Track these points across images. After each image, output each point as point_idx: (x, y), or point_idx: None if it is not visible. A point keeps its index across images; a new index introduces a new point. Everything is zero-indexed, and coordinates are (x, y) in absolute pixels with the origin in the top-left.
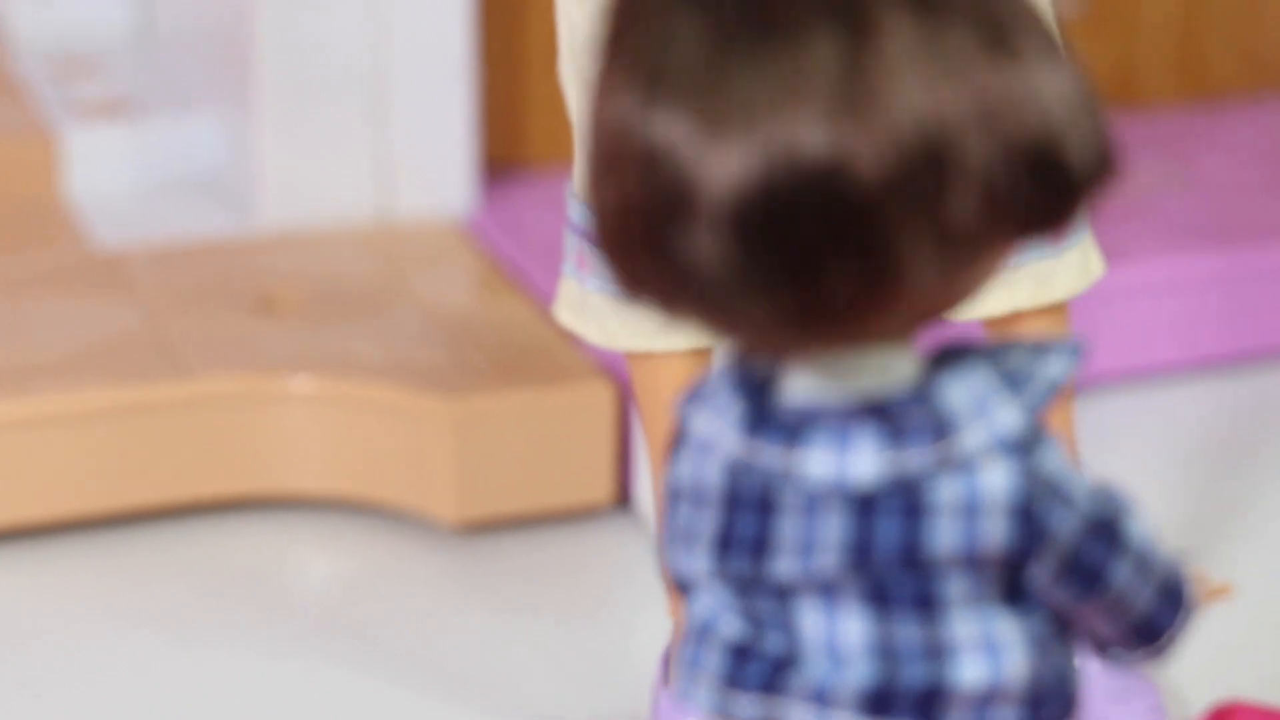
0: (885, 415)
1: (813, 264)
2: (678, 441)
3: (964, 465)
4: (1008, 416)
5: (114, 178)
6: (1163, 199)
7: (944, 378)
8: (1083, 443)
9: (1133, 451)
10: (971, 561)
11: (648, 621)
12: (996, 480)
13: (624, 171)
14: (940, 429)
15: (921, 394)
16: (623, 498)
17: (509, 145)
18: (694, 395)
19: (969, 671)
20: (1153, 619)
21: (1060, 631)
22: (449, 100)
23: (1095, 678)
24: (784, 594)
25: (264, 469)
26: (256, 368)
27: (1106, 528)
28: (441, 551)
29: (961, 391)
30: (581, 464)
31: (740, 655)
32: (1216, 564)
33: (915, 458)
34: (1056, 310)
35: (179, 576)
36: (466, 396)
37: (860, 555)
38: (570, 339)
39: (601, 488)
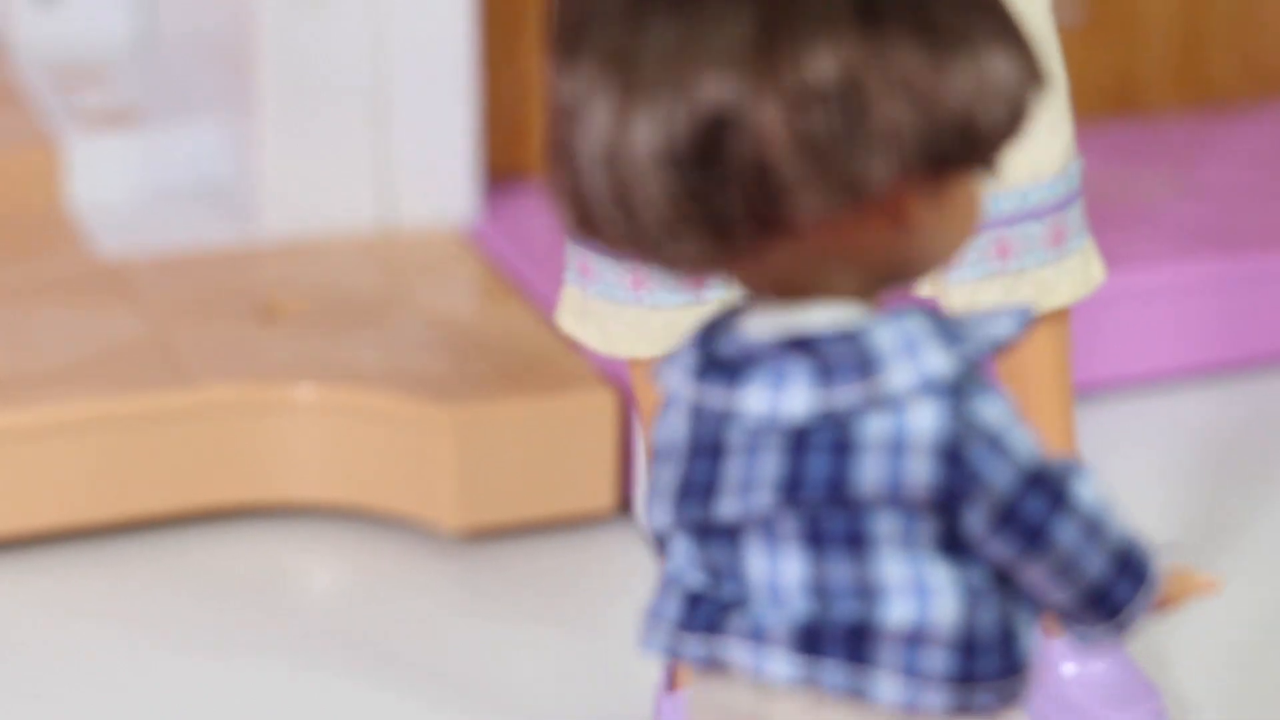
0: (815, 353)
1: (717, 204)
2: (663, 405)
3: (892, 404)
4: (936, 359)
5: (117, 186)
6: (1165, 205)
7: (877, 321)
8: (1087, 447)
9: (1137, 456)
10: (898, 500)
11: None
12: (924, 420)
13: (558, 125)
14: (866, 366)
15: (850, 333)
16: (625, 505)
17: (511, 153)
18: (668, 356)
19: (895, 611)
20: (1107, 589)
21: (1004, 590)
22: (451, 109)
23: (1097, 681)
24: (734, 539)
25: (266, 477)
26: (259, 376)
27: (1049, 485)
28: (443, 559)
29: (890, 333)
30: (583, 471)
31: (694, 602)
32: (1220, 568)
33: (843, 394)
34: (1058, 316)
35: (182, 584)
36: (468, 404)
37: (791, 492)
38: (572, 346)
39: (603, 495)
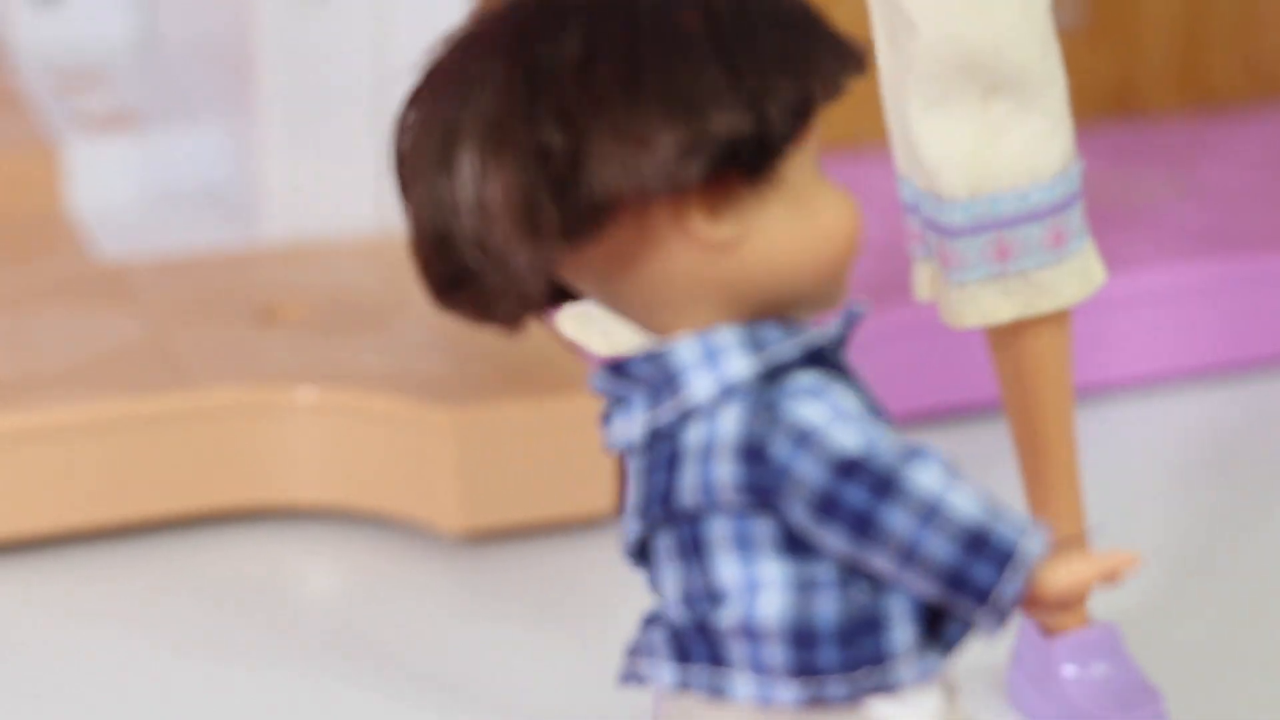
0: (630, 377)
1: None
2: None
3: (707, 414)
4: (736, 365)
5: (118, 189)
6: (1166, 206)
7: (684, 338)
8: (1088, 449)
9: (1138, 458)
10: (715, 504)
11: None
12: (728, 423)
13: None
14: (672, 382)
15: (655, 353)
16: (625, 507)
17: None
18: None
19: (726, 610)
20: (961, 572)
21: (873, 582)
22: None
23: (1098, 683)
24: (650, 560)
25: (267, 479)
26: (260, 378)
27: (869, 472)
28: (444, 561)
29: (691, 347)
30: (584, 474)
31: (646, 625)
32: (1221, 568)
33: (665, 413)
34: (1059, 317)
35: (181, 587)
36: (469, 407)
37: (645, 512)
38: (573, 349)
39: (604, 497)
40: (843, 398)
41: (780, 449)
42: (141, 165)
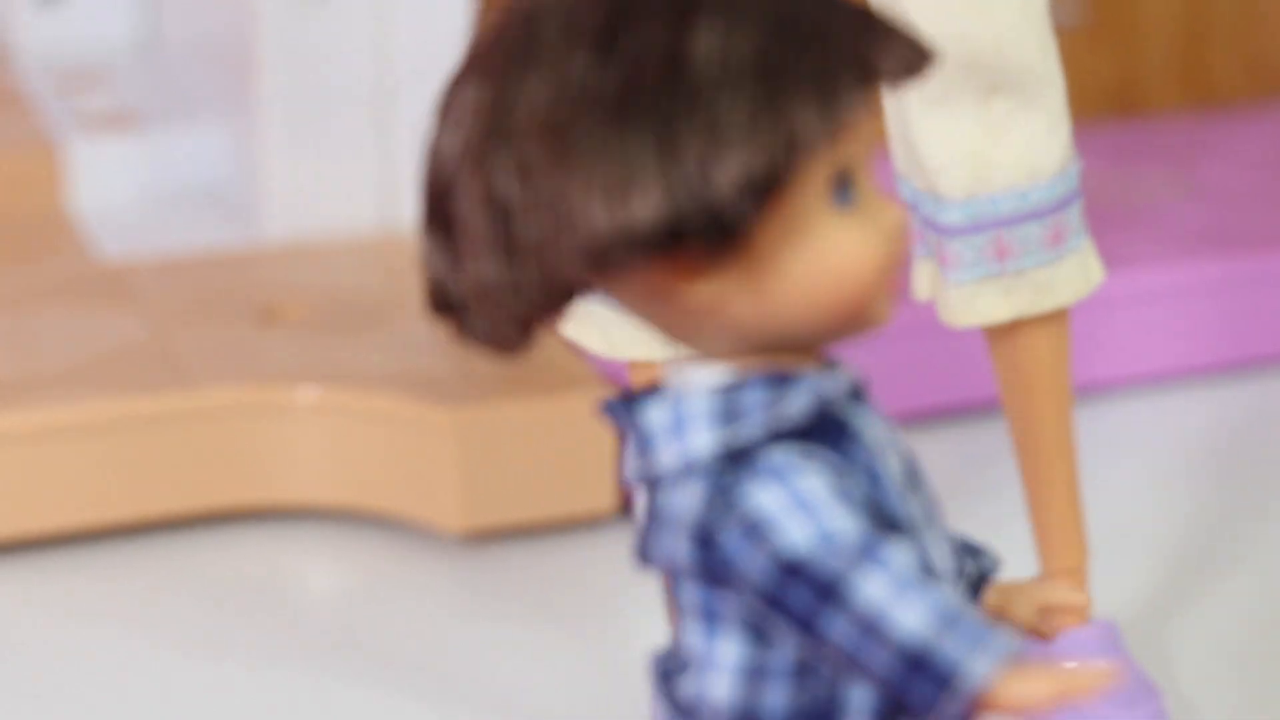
0: (624, 427)
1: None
2: None
3: (674, 483)
4: (699, 440)
5: (119, 189)
6: (1166, 206)
7: (654, 398)
8: (1088, 449)
9: (1138, 457)
10: (679, 572)
11: (651, 630)
12: (686, 499)
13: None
14: (643, 445)
15: (632, 410)
16: (626, 506)
17: None
18: None
19: (686, 680)
20: (900, 688)
21: (815, 671)
22: None
23: None
24: None
25: (268, 479)
26: (261, 378)
27: (812, 577)
28: (445, 561)
29: (661, 412)
30: (585, 473)
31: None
32: (1221, 568)
33: (645, 468)
34: (1057, 317)
35: (183, 586)
36: (470, 406)
37: (637, 554)
38: (573, 348)
39: (605, 497)
40: (811, 478)
41: (728, 539)
42: (143, 165)
